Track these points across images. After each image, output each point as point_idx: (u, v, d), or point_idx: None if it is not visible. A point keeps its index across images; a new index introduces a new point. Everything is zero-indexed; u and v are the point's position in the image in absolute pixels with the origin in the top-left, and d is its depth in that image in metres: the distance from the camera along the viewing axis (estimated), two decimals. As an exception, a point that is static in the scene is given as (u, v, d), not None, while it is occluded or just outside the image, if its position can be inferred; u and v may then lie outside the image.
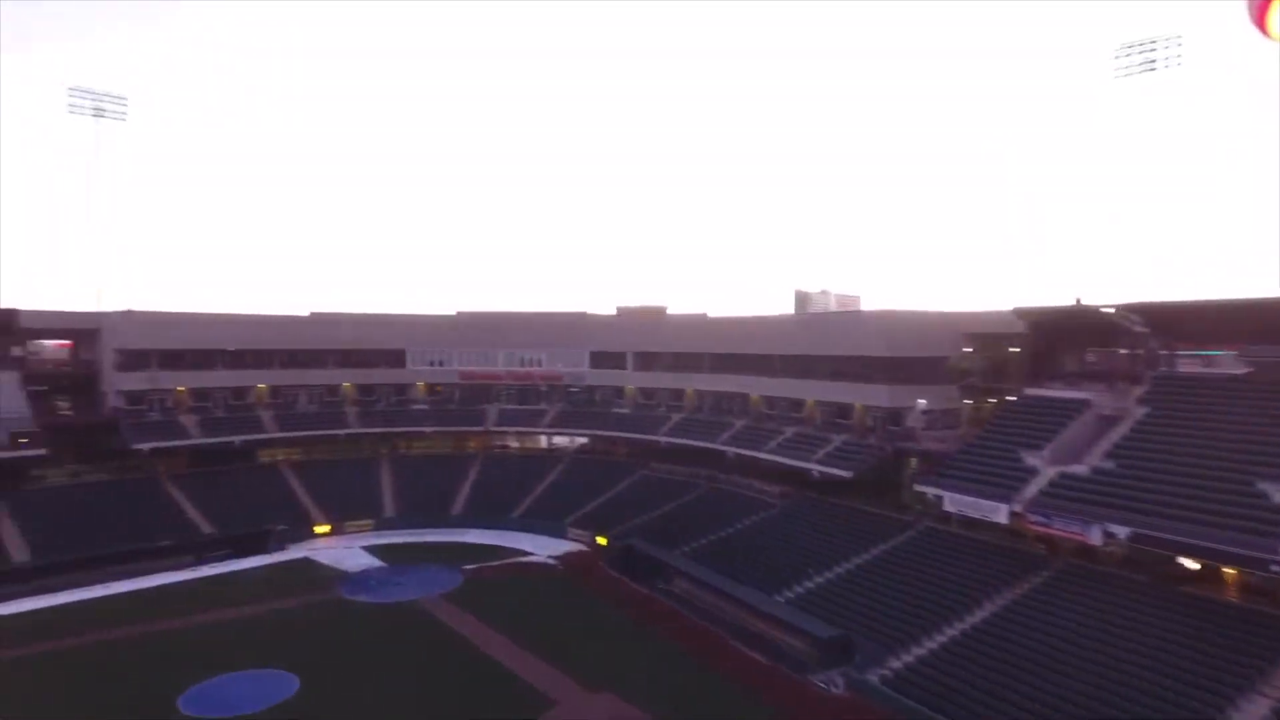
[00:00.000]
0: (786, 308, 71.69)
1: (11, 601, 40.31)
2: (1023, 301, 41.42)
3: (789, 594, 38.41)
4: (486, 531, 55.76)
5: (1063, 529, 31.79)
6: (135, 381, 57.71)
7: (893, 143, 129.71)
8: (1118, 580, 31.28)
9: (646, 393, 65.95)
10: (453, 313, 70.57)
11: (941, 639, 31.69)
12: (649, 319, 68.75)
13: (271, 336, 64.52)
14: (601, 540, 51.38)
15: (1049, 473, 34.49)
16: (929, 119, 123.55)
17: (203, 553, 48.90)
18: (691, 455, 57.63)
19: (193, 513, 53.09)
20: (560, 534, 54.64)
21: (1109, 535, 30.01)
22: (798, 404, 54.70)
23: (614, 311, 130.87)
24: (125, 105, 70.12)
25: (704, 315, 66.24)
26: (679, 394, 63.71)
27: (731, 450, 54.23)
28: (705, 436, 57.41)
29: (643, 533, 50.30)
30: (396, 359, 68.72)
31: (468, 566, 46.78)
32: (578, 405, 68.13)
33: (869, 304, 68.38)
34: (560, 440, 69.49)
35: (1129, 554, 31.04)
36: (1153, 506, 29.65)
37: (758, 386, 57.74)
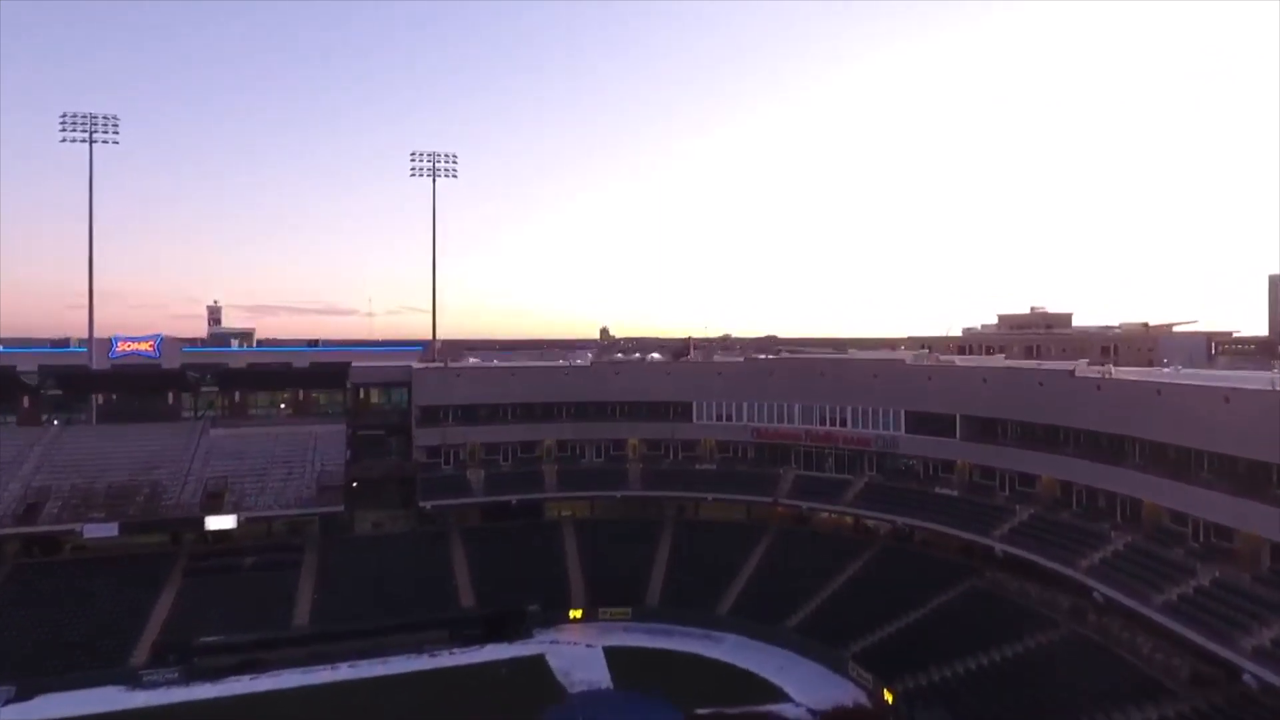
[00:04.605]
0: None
1: (275, 672, 42.04)
2: None
3: None
4: (749, 644, 45.56)
5: None
6: (430, 436, 59.40)
7: None
8: None
9: (985, 471, 48.70)
10: (740, 358, 61.06)
11: None
12: (983, 372, 50.79)
13: (554, 388, 62.12)
14: (888, 696, 37.37)
15: None
16: None
17: (458, 630, 47.13)
18: (1044, 569, 39.82)
19: (463, 579, 52.04)
20: (839, 668, 41.66)
21: None
22: (1227, 530, 33.90)
23: (994, 320, 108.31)
24: (456, 163, 75.36)
25: (1071, 374, 45.51)
26: (1030, 479, 45.56)
27: (1097, 588, 35.58)
28: (1058, 552, 39.04)
29: (953, 695, 35.48)
30: (684, 412, 61.58)
31: (701, 712, 36.81)
32: (891, 478, 53.41)
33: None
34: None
35: None
36: None
37: (1159, 492, 37.54)
